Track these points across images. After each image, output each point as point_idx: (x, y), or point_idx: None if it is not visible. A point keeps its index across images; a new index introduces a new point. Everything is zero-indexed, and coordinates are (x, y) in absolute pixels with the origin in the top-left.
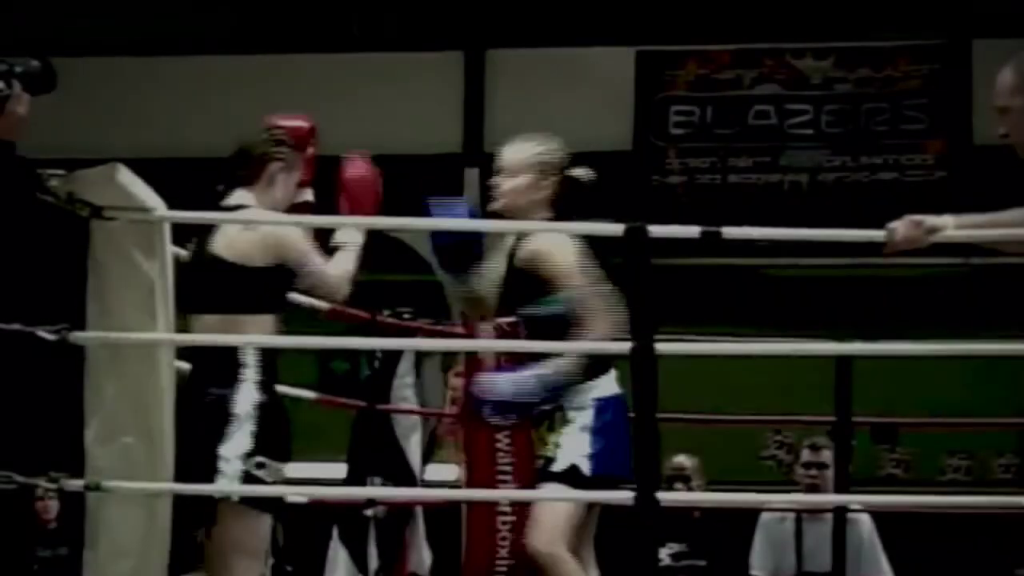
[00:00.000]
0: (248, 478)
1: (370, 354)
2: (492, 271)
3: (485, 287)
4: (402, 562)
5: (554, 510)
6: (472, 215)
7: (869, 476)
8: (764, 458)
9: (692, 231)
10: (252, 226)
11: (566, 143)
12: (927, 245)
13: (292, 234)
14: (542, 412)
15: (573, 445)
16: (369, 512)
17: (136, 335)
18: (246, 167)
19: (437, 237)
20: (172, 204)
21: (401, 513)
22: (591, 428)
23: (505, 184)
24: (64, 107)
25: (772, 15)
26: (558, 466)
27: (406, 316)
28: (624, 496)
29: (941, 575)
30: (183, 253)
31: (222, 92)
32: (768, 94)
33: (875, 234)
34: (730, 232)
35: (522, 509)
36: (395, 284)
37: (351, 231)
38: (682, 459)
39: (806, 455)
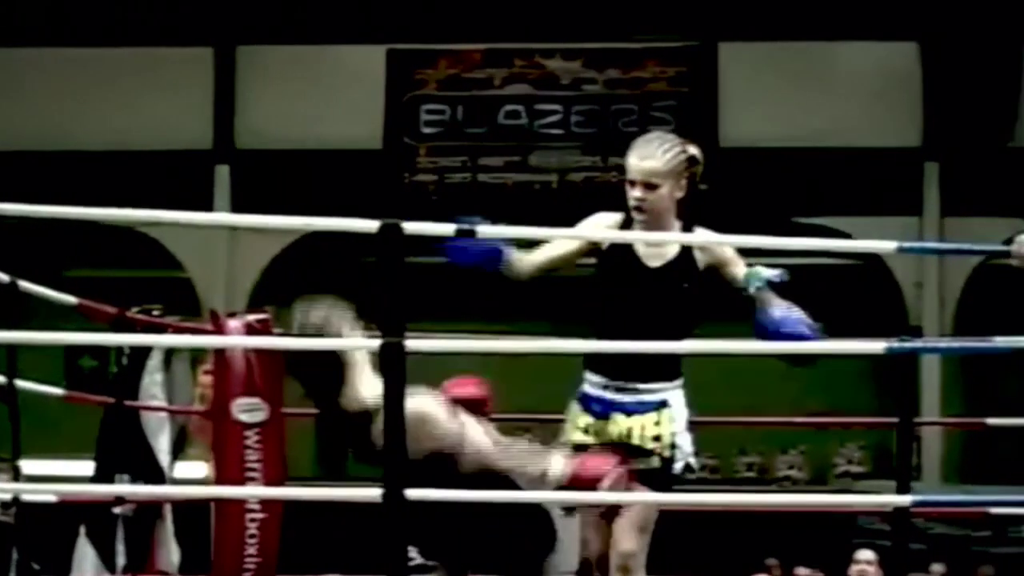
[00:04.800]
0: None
1: (118, 350)
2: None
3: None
4: (150, 560)
5: (650, 511)
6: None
7: None
8: None
9: (447, 229)
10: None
11: (317, 141)
12: None
13: None
14: (655, 403)
15: (685, 444)
16: (117, 510)
17: None
18: None
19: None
20: None
21: (150, 511)
22: (689, 426)
23: (650, 196)
24: None
25: (522, 15)
26: (679, 466)
27: (155, 312)
28: (372, 494)
29: (696, 569)
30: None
31: None
32: (518, 94)
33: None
34: (485, 231)
35: (271, 507)
36: (144, 280)
37: None
38: None
39: None
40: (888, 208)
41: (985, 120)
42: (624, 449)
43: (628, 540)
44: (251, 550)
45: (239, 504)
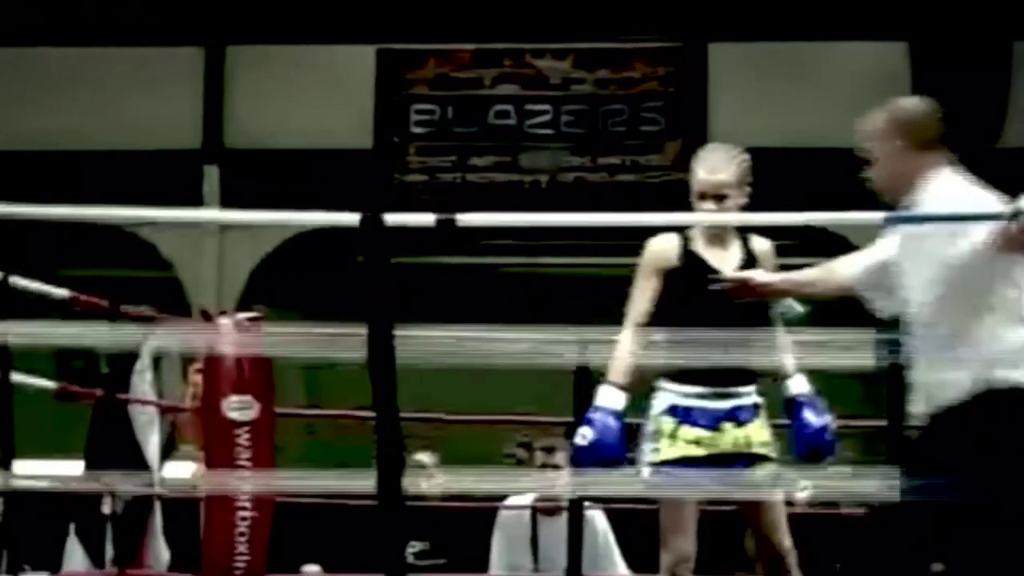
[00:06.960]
0: None
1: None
2: None
3: None
4: (139, 558)
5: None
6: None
7: None
8: (506, 456)
9: (428, 220)
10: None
11: (307, 140)
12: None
13: None
14: (752, 406)
15: (773, 439)
16: (106, 508)
17: None
18: None
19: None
20: None
21: (139, 509)
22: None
23: (720, 208)
24: None
25: (512, 15)
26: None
27: (147, 312)
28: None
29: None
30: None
31: None
32: (508, 94)
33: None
34: (465, 220)
35: (261, 506)
36: (134, 280)
37: None
38: (422, 456)
39: (540, 457)
40: (879, 208)
41: (974, 120)
42: (742, 458)
43: (787, 538)
44: (241, 548)
45: (229, 503)
